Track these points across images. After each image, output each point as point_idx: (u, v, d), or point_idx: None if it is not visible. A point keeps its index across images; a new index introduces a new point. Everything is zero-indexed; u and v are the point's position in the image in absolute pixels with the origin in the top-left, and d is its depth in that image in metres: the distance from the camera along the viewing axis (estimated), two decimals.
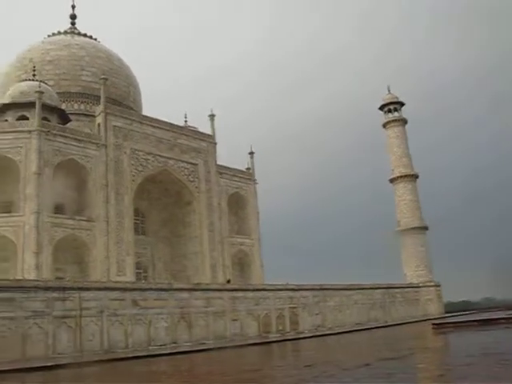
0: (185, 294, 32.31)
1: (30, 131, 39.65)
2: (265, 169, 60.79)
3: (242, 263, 53.63)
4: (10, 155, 39.23)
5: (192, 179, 49.67)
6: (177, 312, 31.22)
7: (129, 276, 41.43)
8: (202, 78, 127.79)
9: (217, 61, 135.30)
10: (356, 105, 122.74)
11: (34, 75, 47.72)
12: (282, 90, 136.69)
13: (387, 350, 22.68)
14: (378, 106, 65.61)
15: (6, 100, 46.28)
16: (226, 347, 31.38)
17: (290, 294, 39.59)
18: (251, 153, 57.41)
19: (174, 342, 30.32)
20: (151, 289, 31.39)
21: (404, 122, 64.37)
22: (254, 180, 56.70)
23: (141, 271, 46.78)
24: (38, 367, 23.49)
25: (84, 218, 41.02)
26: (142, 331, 29.03)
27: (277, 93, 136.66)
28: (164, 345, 29.66)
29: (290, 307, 38.67)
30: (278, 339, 35.59)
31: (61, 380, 20.35)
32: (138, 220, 47.49)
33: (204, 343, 31.50)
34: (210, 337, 32.40)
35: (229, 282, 45.03)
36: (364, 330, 42.13)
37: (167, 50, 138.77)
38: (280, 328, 37.33)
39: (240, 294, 36.02)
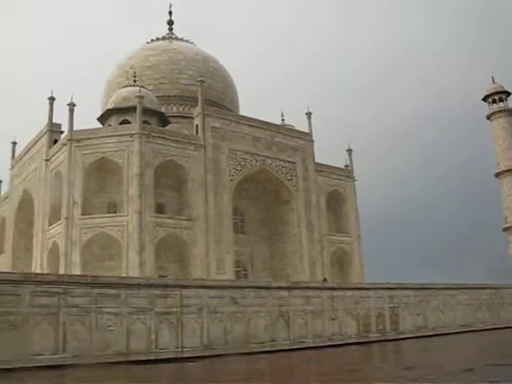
0: (284, 293, 32.23)
1: (131, 134, 41.20)
2: (361, 165, 59.54)
3: (341, 261, 52.99)
4: (113, 158, 40.96)
5: (290, 177, 49.65)
6: (275, 310, 31.22)
7: (228, 274, 42.02)
8: (294, 75, 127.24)
9: (300, 61, 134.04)
10: (452, 95, 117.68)
11: (134, 81, 49.52)
12: (362, 88, 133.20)
13: (493, 355, 21.50)
14: (482, 97, 63.07)
15: (109, 106, 48.36)
16: (324, 346, 31.19)
17: (391, 293, 38.56)
18: (349, 150, 56.54)
19: (273, 340, 30.35)
20: (250, 287, 31.55)
21: (511, 112, 61.35)
22: (353, 177, 55.86)
23: (240, 269, 47.26)
24: (141, 360, 24.48)
25: (184, 218, 42.05)
26: (240, 328, 29.28)
27: (359, 89, 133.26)
28: (263, 342, 29.74)
29: (390, 307, 37.70)
30: (378, 339, 34.98)
31: (165, 374, 20.96)
32: (236, 219, 48.14)
33: (303, 341, 31.40)
34: (308, 335, 32.18)
35: (325, 280, 44.62)
36: (469, 332, 40.50)
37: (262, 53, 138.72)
38: (380, 328, 36.50)
39: (339, 292, 35.49)
